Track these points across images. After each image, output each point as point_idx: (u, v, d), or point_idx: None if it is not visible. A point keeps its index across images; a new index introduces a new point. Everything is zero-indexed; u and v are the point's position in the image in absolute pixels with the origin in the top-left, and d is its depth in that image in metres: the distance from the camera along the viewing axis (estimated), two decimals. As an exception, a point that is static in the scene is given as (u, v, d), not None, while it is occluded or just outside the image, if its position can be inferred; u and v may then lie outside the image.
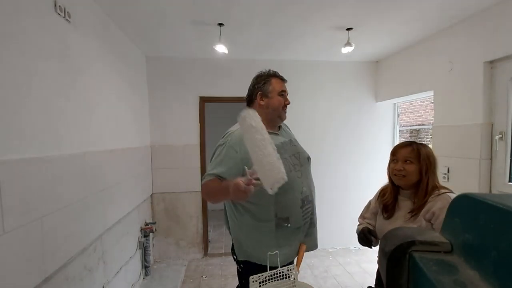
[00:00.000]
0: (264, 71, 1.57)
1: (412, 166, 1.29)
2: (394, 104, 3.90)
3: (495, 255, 0.38)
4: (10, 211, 1.18)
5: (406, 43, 3.07)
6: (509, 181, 2.13)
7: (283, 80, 1.55)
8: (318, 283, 3.00)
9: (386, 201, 1.40)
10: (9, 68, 1.23)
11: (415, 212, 1.27)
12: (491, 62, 2.21)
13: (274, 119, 1.51)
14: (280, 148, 1.37)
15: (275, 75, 1.54)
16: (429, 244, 0.50)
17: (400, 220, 1.33)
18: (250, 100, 1.58)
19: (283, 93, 1.51)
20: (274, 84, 1.49)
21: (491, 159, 2.24)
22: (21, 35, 1.31)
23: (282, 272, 1.44)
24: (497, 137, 2.18)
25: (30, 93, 1.35)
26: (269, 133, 1.17)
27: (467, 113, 2.39)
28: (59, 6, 1.58)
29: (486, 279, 0.39)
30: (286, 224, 1.39)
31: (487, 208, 0.43)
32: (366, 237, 1.40)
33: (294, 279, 1.98)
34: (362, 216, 1.60)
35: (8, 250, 1.17)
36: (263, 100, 1.48)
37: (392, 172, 1.36)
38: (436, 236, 0.52)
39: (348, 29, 2.63)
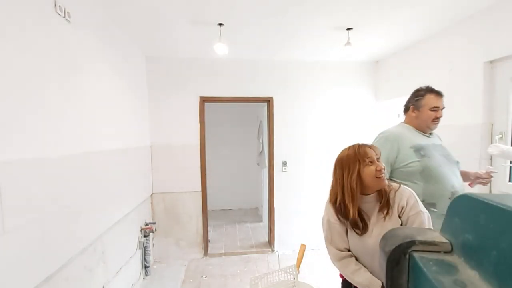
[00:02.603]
0: (422, 87, 1.83)
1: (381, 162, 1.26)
2: (394, 104, 3.90)
3: (495, 255, 0.38)
4: (10, 211, 1.19)
5: (406, 43, 3.07)
6: (509, 181, 2.13)
7: (438, 95, 1.78)
8: (318, 283, 3.00)
9: (354, 216, 1.24)
10: (9, 68, 1.23)
11: (386, 210, 1.24)
12: (491, 62, 2.21)
13: (423, 128, 1.80)
14: (432, 148, 1.72)
15: (431, 91, 1.79)
16: (429, 244, 0.50)
17: (377, 226, 1.24)
18: (405, 110, 1.87)
19: (435, 109, 1.75)
20: (428, 100, 1.76)
21: (491, 159, 2.24)
22: (21, 35, 1.31)
23: (282, 272, 1.44)
24: (497, 137, 2.18)
25: (30, 93, 1.35)
26: (421, 135, 1.78)
27: (467, 113, 2.39)
28: (59, 6, 1.58)
29: (486, 279, 0.39)
30: (432, 209, 1.57)
31: (487, 208, 0.43)
32: None
33: (294, 279, 1.98)
34: (330, 241, 1.36)
35: (8, 250, 1.17)
36: (414, 113, 1.79)
37: (374, 175, 1.21)
38: (436, 236, 0.52)
39: (348, 29, 2.63)
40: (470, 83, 2.35)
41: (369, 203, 1.27)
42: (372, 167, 1.22)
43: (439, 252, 0.49)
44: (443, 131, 2.66)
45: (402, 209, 1.24)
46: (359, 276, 1.24)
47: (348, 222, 1.27)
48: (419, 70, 3.00)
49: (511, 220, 0.38)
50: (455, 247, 0.48)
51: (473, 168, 2.32)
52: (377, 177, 1.21)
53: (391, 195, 1.27)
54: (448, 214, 0.54)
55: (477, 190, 2.28)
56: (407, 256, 0.50)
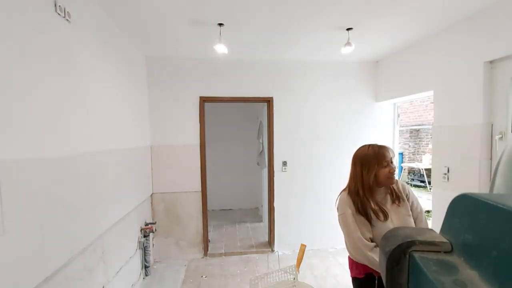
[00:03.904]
0: None
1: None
2: (394, 104, 3.90)
3: (495, 255, 0.38)
4: (10, 211, 1.18)
5: (406, 43, 3.07)
6: (509, 181, 2.13)
7: None
8: (318, 283, 3.00)
9: (375, 207, 1.44)
10: (9, 68, 1.23)
11: (397, 200, 1.48)
12: (491, 62, 2.21)
13: None
14: None
15: None
16: (429, 244, 0.50)
17: (394, 214, 1.45)
18: None
19: None
20: None
21: (491, 159, 2.24)
22: (21, 35, 1.31)
23: (282, 272, 1.45)
24: (497, 137, 2.18)
25: (30, 93, 1.35)
26: None
27: (467, 113, 2.39)
28: (59, 6, 1.58)
29: (486, 279, 0.39)
30: None
31: (487, 208, 0.43)
32: None
33: (294, 279, 1.99)
34: (360, 232, 1.41)
35: (8, 250, 1.17)
36: None
37: (388, 175, 1.43)
38: (436, 236, 0.52)
39: (348, 29, 2.64)
40: (470, 83, 2.35)
41: (381, 194, 1.50)
42: (387, 169, 1.42)
43: (439, 252, 0.49)
44: (443, 131, 2.66)
45: (406, 196, 1.52)
46: None
47: (369, 212, 1.44)
48: (419, 70, 3.00)
49: (511, 220, 0.38)
50: (455, 247, 0.48)
51: (473, 168, 2.32)
52: (388, 178, 1.43)
53: (396, 187, 1.52)
54: (448, 214, 0.54)
55: (477, 190, 2.29)
56: (407, 256, 0.50)
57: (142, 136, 3.20)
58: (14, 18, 1.27)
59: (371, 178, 1.43)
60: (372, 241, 1.41)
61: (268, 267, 3.31)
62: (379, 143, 1.52)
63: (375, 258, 1.33)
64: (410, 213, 1.47)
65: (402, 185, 1.55)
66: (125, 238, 2.57)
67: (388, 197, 1.50)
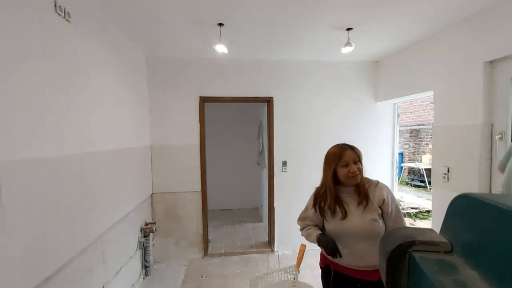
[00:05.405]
0: None
1: (360, 164, 1.47)
2: (394, 104, 3.90)
3: (495, 255, 0.38)
4: (10, 211, 1.19)
5: (406, 43, 3.07)
6: (509, 181, 2.13)
7: None
8: (318, 283, 3.00)
9: (331, 204, 1.48)
10: (8, 68, 1.23)
11: (365, 201, 1.44)
12: (491, 62, 2.21)
13: None
14: None
15: None
16: (429, 244, 0.50)
17: (356, 214, 1.44)
18: None
19: None
20: None
21: (491, 159, 2.24)
22: (21, 35, 1.31)
23: (282, 272, 1.45)
24: (497, 137, 2.18)
25: (30, 93, 1.35)
26: None
27: (467, 113, 2.39)
28: (59, 6, 1.58)
29: (486, 279, 0.39)
30: None
31: (487, 208, 0.43)
32: (335, 248, 1.44)
33: (294, 279, 1.99)
34: (301, 219, 1.67)
35: (8, 250, 1.17)
36: None
37: (347, 175, 1.44)
38: (436, 236, 0.52)
39: (348, 29, 2.63)
40: (470, 83, 2.35)
41: (349, 193, 1.49)
42: (346, 169, 1.44)
43: (439, 252, 0.49)
44: (443, 131, 2.66)
45: (383, 201, 1.45)
46: (310, 234, 1.56)
47: (326, 209, 1.50)
48: (419, 70, 3.00)
49: (511, 220, 0.38)
50: (455, 247, 0.48)
51: (473, 168, 2.32)
52: (349, 177, 1.43)
53: (370, 189, 1.48)
54: (448, 214, 0.54)
55: (477, 190, 2.29)
56: (407, 256, 0.50)
57: (142, 136, 3.20)
58: (14, 18, 1.27)
59: (329, 176, 1.49)
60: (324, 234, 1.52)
61: (268, 267, 3.31)
62: (347, 143, 1.53)
63: (307, 234, 1.59)
64: (377, 218, 1.41)
65: (381, 188, 1.48)
66: (125, 238, 2.57)
67: (356, 197, 1.46)
